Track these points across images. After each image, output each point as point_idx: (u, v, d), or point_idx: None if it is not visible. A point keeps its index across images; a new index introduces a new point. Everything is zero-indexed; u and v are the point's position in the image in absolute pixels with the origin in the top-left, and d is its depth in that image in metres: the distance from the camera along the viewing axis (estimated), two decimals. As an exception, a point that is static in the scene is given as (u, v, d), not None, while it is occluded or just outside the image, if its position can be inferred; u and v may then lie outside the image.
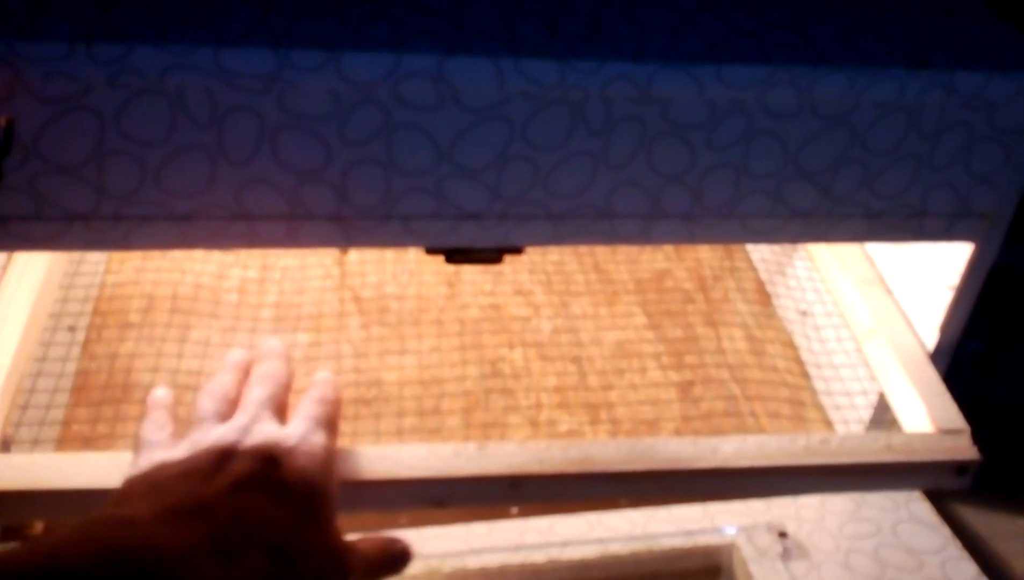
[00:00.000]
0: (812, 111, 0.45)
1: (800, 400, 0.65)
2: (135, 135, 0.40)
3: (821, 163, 0.46)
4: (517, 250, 0.48)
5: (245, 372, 0.47)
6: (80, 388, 0.59)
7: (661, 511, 0.61)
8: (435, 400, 0.62)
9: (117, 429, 0.57)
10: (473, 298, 0.70)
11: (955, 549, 0.61)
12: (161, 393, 0.47)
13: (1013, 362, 0.85)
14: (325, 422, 0.44)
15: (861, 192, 0.48)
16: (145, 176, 0.41)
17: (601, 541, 0.59)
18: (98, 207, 0.42)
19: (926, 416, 0.52)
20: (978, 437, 0.50)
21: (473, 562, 0.57)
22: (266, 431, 0.42)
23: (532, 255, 0.74)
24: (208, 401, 0.44)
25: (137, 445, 0.43)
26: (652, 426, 0.62)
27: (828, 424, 0.63)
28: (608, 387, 0.64)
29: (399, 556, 0.43)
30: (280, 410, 0.45)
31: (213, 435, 0.42)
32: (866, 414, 0.62)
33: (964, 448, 0.50)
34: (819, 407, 0.65)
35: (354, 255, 0.72)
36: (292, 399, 0.47)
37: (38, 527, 0.56)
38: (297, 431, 0.43)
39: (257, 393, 0.45)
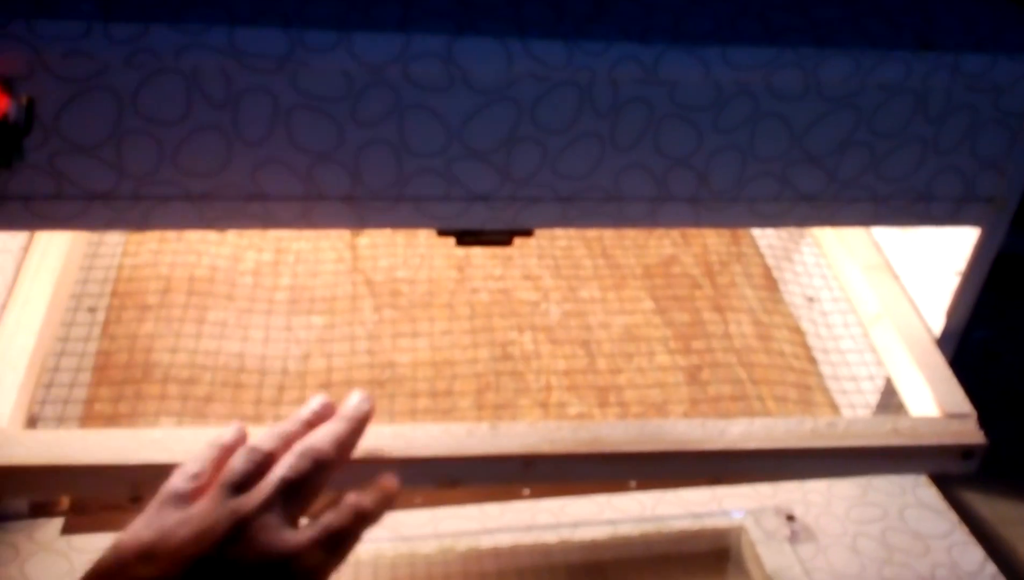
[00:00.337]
0: (818, 93, 0.45)
1: (807, 385, 0.65)
2: (152, 115, 0.41)
3: (827, 146, 0.47)
4: (527, 232, 0.48)
5: (230, 452, 0.40)
6: (101, 368, 0.60)
7: (670, 494, 0.62)
8: (447, 382, 0.63)
9: (138, 408, 0.58)
10: (483, 282, 0.71)
11: (961, 534, 0.61)
12: (229, 434, 0.41)
13: (1020, 349, 0.85)
14: (340, 538, 0.38)
15: (867, 175, 0.48)
16: (163, 156, 0.42)
17: (611, 522, 0.60)
18: (117, 186, 0.43)
19: (932, 400, 0.52)
20: (984, 423, 0.50)
21: (486, 541, 0.58)
22: (266, 533, 0.36)
23: (540, 240, 0.74)
24: (178, 479, 0.39)
25: (160, 492, 0.38)
26: (660, 409, 0.63)
27: (835, 408, 0.64)
28: (616, 371, 0.65)
29: (390, 493, 0.41)
30: (311, 493, 0.39)
31: (211, 517, 0.37)
32: (873, 399, 0.62)
33: (970, 432, 0.50)
34: (826, 391, 0.65)
35: (365, 239, 0.73)
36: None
37: (64, 502, 0.57)
38: (300, 545, 0.37)
39: (282, 473, 0.38)
